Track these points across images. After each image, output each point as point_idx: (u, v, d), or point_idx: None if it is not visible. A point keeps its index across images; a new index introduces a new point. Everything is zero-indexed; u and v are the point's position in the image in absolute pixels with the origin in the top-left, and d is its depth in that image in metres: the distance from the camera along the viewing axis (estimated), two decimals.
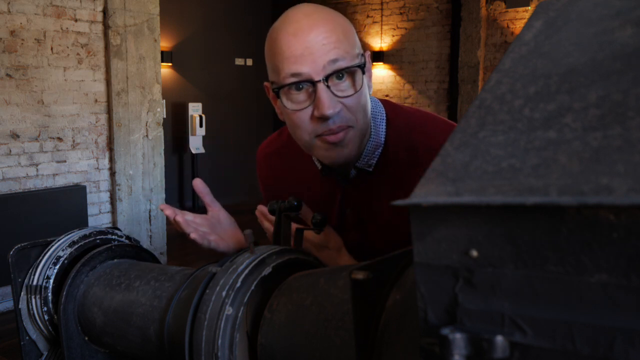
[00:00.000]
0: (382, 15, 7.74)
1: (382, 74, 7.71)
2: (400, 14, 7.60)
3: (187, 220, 1.06)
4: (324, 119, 0.89)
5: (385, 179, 1.02)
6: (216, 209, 1.11)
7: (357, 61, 0.91)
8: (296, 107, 0.91)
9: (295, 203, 0.94)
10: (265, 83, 0.98)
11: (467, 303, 0.34)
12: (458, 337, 0.33)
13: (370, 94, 0.99)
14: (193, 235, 1.04)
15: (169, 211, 1.05)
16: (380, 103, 1.05)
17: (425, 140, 1.00)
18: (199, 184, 1.09)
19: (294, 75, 0.88)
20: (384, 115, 1.03)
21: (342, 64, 0.88)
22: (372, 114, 1.00)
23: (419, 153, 0.99)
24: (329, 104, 0.88)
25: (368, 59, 0.97)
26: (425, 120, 1.04)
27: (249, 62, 7.97)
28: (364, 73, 0.92)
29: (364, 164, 1.01)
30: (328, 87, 0.88)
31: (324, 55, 0.87)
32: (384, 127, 1.02)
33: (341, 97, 0.90)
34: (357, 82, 0.91)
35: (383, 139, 1.01)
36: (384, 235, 1.02)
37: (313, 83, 0.88)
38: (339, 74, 0.89)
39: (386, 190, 1.02)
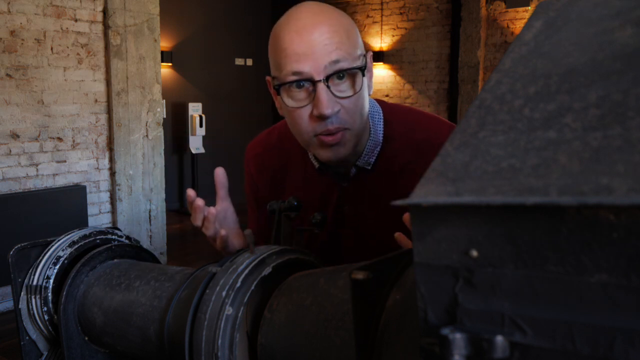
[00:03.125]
0: (382, 15, 7.74)
1: (382, 74, 7.71)
2: (400, 14, 7.59)
3: (199, 205, 0.99)
4: (322, 118, 0.90)
5: (383, 176, 1.03)
6: (226, 205, 1.07)
7: (358, 63, 0.92)
8: (296, 104, 0.92)
9: (295, 203, 0.94)
10: (267, 77, 0.99)
11: (467, 303, 0.34)
12: (458, 337, 0.33)
13: (370, 94, 0.99)
14: (209, 231, 0.99)
15: (192, 192, 0.99)
16: (377, 103, 1.06)
17: (422, 136, 1.02)
18: (220, 175, 1.03)
19: (295, 73, 0.89)
20: (381, 114, 1.04)
21: (343, 65, 0.89)
22: (370, 113, 1.01)
23: (416, 149, 1.01)
24: (327, 104, 0.89)
25: (370, 60, 0.97)
26: (420, 117, 1.06)
27: (249, 62, 7.96)
28: (364, 75, 0.93)
29: (363, 162, 1.02)
30: (328, 87, 0.89)
31: (325, 56, 0.88)
32: (382, 126, 1.03)
33: (340, 97, 0.90)
34: (357, 83, 0.92)
35: (381, 138, 1.03)
36: (381, 232, 1.03)
37: (313, 82, 0.89)
38: (339, 74, 0.90)
39: (384, 187, 1.03)
